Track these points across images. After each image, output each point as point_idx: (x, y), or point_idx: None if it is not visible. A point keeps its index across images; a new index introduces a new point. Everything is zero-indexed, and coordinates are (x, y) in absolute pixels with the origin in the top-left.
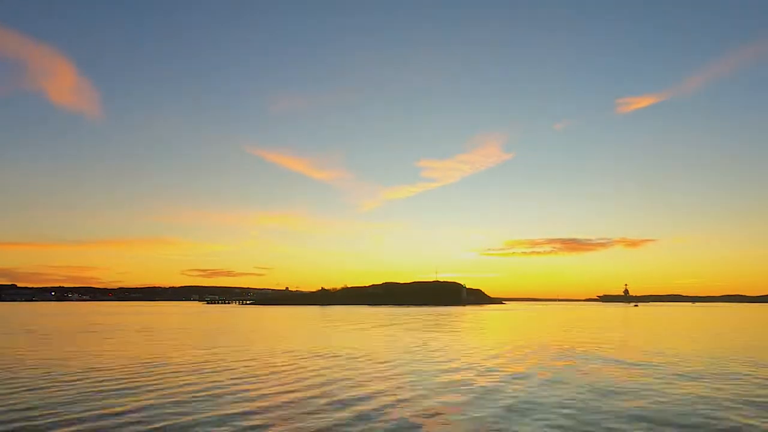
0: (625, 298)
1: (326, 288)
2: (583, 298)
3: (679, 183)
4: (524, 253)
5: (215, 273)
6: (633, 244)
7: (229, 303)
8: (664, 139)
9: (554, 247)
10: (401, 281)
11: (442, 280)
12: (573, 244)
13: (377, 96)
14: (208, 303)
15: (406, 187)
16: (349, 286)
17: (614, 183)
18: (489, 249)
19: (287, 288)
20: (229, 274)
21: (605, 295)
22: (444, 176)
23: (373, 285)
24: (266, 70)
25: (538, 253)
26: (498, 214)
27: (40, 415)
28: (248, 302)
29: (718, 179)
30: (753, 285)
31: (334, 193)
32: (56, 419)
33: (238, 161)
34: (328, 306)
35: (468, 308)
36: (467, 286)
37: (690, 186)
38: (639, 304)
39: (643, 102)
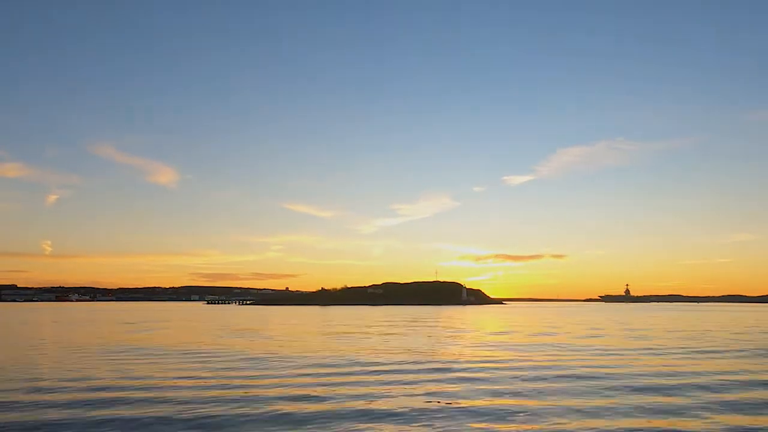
0: (626, 298)
1: (326, 288)
2: (584, 298)
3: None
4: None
5: (219, 277)
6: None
7: (229, 303)
8: (537, 205)
9: (500, 258)
10: (401, 281)
11: (442, 280)
12: (510, 256)
13: (362, 167)
14: (207, 303)
15: (390, 219)
16: (349, 286)
17: (525, 223)
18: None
19: (287, 288)
20: (234, 278)
21: (607, 295)
22: (414, 213)
23: (373, 285)
24: (287, 163)
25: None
26: (465, 235)
27: None
28: (248, 302)
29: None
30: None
31: (335, 222)
32: None
33: (264, 210)
34: (328, 306)
35: (470, 308)
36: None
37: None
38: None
39: (520, 179)
